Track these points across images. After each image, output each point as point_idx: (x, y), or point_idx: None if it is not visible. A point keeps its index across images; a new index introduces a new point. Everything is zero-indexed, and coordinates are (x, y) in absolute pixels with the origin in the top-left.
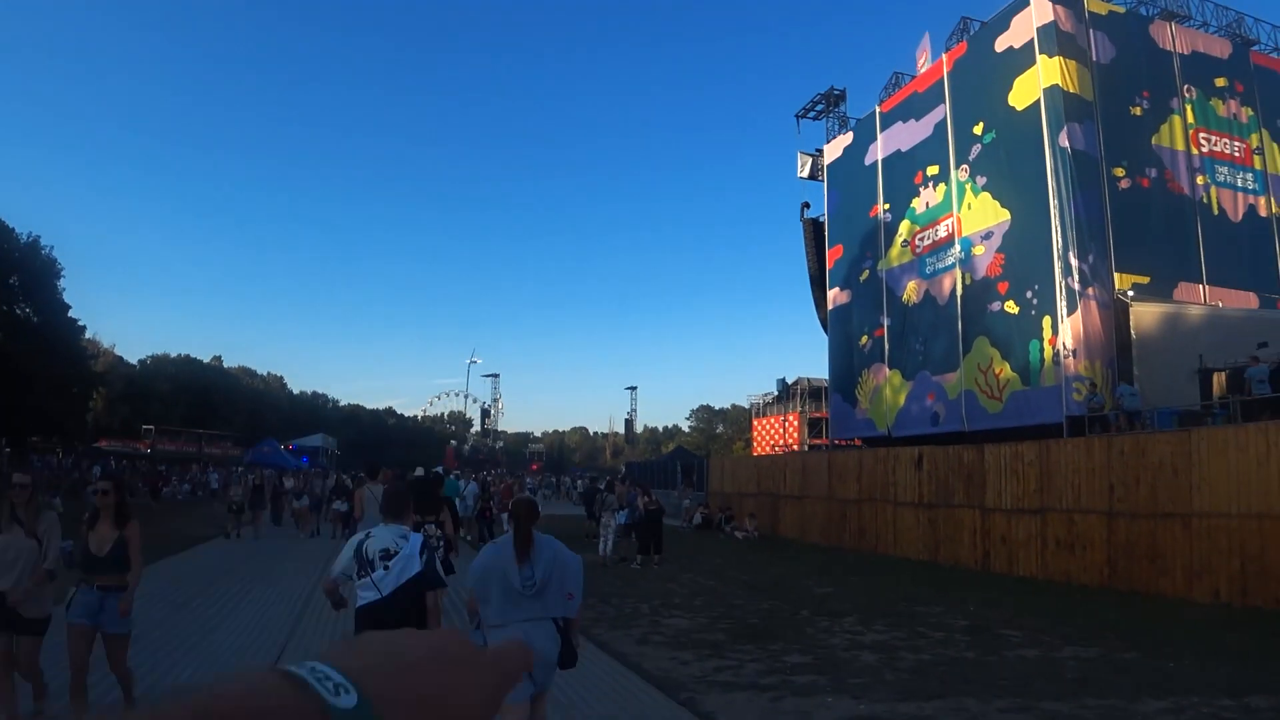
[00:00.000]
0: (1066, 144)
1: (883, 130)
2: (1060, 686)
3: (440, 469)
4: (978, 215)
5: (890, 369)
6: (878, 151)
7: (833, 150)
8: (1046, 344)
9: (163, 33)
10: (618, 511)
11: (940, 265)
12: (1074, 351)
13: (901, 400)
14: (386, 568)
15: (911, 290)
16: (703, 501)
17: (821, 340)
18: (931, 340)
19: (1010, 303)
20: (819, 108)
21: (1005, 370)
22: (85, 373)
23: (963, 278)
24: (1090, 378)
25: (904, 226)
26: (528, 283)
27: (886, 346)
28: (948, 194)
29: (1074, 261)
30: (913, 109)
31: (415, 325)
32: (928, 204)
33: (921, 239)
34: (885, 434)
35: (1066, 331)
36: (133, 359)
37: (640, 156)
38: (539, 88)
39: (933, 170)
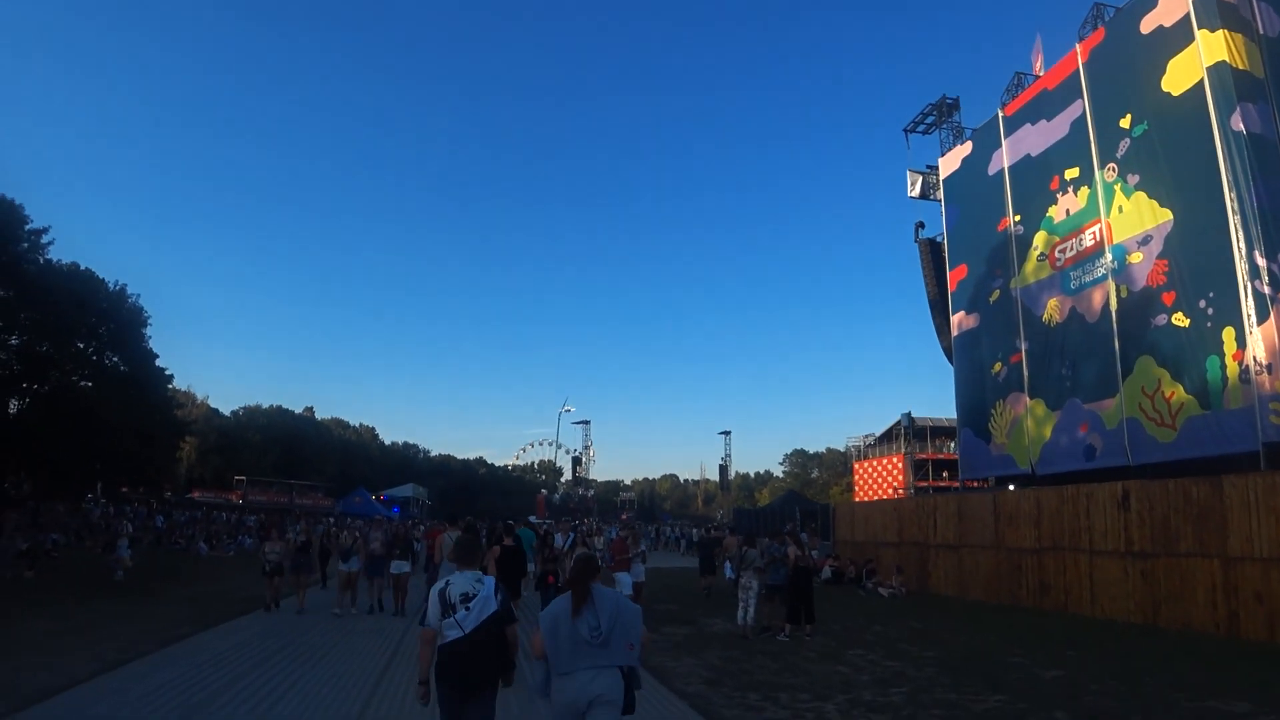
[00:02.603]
0: (1241, 127)
1: (1008, 135)
2: None
3: (533, 519)
4: (1131, 218)
5: (1031, 398)
6: (1003, 159)
7: (949, 163)
8: (1230, 359)
9: (262, 93)
10: (762, 568)
11: (1087, 278)
12: (1268, 366)
13: (1047, 433)
14: (468, 609)
15: (1053, 308)
16: (830, 552)
17: (929, 376)
18: (1081, 363)
19: (1179, 315)
20: (930, 119)
21: (1177, 393)
22: (171, 421)
23: (1117, 290)
24: None
25: (1040, 238)
26: (618, 330)
27: (1026, 373)
28: (1092, 198)
29: (1261, 261)
30: (1043, 109)
31: (505, 376)
32: (1068, 211)
33: (1062, 251)
34: (1028, 472)
35: (1257, 343)
36: (227, 411)
37: (731, 192)
38: (621, 130)
39: (1072, 173)
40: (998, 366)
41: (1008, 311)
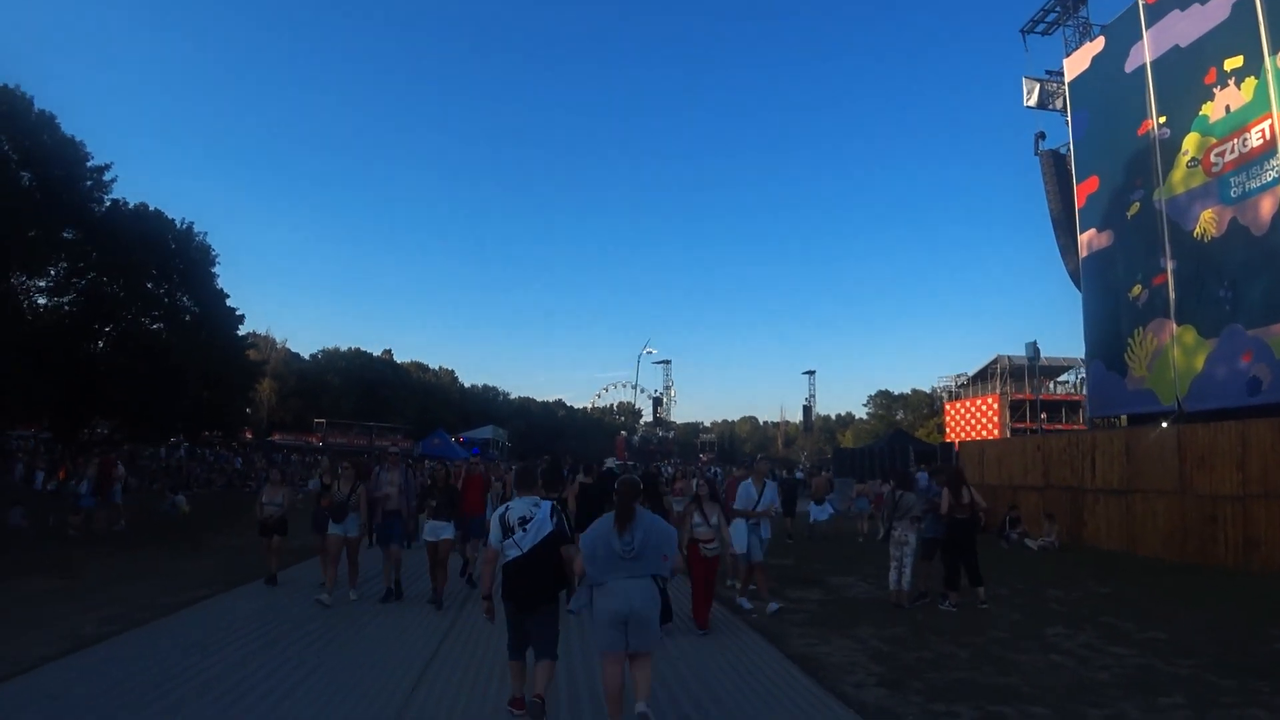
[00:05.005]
0: None
1: (1149, 26)
2: None
3: (614, 461)
4: None
5: (1179, 325)
6: (1144, 53)
7: (1076, 63)
8: None
9: (335, 42)
10: (919, 518)
11: (1253, 184)
12: None
13: (1199, 364)
14: (525, 530)
15: (1207, 221)
16: None
17: (1025, 309)
18: (1244, 283)
19: None
20: (1051, 16)
21: None
22: (244, 364)
23: None
24: None
25: (1190, 141)
26: (699, 269)
27: (1172, 296)
28: (1261, 89)
29: None
30: None
31: (585, 318)
32: (1228, 107)
33: (1220, 154)
34: (1173, 409)
35: None
36: (306, 355)
37: (813, 111)
38: (712, 62)
39: (1233, 63)
40: (1137, 290)
41: (1149, 227)
